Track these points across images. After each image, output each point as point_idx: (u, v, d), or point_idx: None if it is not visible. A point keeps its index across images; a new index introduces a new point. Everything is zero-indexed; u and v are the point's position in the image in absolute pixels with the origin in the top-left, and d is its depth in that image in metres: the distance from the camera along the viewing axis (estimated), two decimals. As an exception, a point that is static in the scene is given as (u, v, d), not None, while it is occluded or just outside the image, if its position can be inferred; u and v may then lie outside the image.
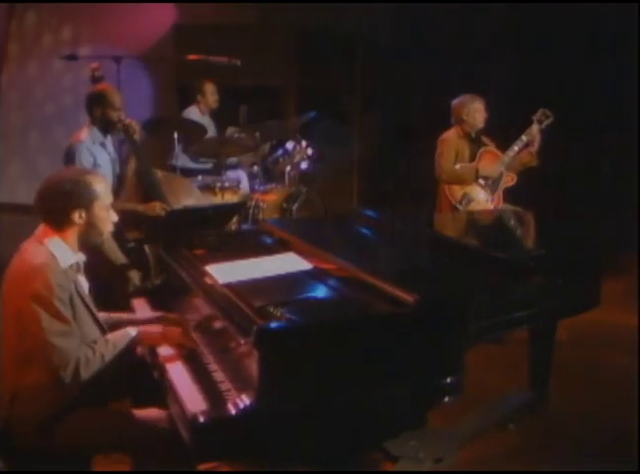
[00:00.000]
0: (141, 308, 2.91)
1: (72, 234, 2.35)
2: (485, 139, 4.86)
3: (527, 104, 4.77)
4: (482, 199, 4.69)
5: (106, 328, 2.46)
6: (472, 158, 4.75)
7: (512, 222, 4.07)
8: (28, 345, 2.22)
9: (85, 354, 2.23)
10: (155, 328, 2.50)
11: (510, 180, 4.76)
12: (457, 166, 4.71)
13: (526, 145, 4.68)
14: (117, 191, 4.12)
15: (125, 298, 3.13)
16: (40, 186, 2.35)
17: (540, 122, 4.64)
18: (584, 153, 6.49)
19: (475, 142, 4.80)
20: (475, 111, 4.73)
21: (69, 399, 2.25)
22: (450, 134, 4.80)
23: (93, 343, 2.29)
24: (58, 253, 2.30)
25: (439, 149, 4.79)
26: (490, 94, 4.78)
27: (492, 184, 4.73)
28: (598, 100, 6.41)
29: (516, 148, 4.68)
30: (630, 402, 3.50)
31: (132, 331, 2.40)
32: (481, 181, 4.70)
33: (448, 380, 2.11)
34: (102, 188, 2.38)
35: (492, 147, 4.82)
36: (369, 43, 7.78)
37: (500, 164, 4.70)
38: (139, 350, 2.57)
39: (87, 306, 2.37)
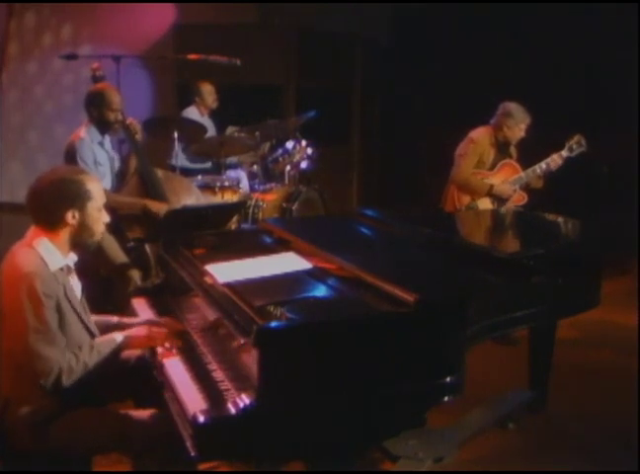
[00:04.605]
0: (141, 308, 2.90)
1: (63, 235, 2.30)
2: (512, 149, 4.71)
3: (527, 104, 4.74)
4: None
5: (95, 332, 2.42)
6: (493, 166, 4.62)
7: (512, 222, 4.06)
8: (16, 351, 2.20)
9: (69, 362, 2.20)
10: (141, 331, 2.46)
11: (520, 199, 4.61)
12: (474, 178, 4.56)
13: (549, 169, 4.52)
14: (117, 189, 4.12)
15: (125, 298, 3.13)
16: (32, 185, 2.29)
17: (571, 150, 4.49)
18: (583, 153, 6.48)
19: (502, 151, 4.65)
20: (519, 129, 4.56)
21: (62, 403, 2.24)
22: (483, 137, 4.61)
23: (78, 349, 2.26)
24: (48, 256, 2.25)
25: (464, 147, 4.62)
26: (489, 94, 4.75)
27: (501, 200, 4.60)
28: (597, 99, 6.42)
29: (538, 171, 4.55)
30: (630, 402, 3.50)
31: (118, 337, 2.38)
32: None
33: (448, 380, 2.11)
34: (95, 187, 2.32)
35: (514, 160, 4.68)
36: (369, 43, 7.79)
37: (514, 183, 4.58)
38: (141, 351, 2.57)
39: (75, 311, 2.32)
